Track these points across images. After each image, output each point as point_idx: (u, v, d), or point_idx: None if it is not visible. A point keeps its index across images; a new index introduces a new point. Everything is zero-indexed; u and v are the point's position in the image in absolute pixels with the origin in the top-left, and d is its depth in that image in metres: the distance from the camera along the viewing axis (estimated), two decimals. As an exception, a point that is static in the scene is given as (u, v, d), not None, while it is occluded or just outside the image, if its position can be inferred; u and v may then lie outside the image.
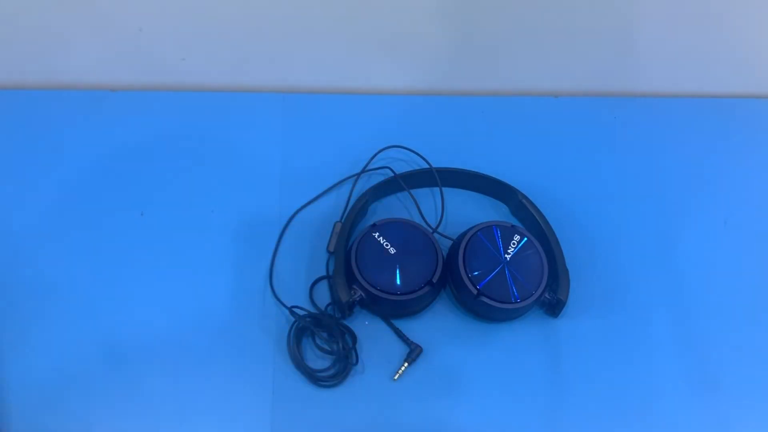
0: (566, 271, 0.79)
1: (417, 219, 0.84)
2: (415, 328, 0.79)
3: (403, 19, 0.90)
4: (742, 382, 0.78)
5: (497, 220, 0.81)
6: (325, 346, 0.76)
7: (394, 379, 0.76)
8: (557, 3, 0.88)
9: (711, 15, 0.91)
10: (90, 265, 0.81)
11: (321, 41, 0.92)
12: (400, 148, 0.89)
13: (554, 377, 0.78)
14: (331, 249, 0.81)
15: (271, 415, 0.73)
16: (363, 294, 0.76)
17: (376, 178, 0.88)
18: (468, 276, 0.76)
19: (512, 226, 0.80)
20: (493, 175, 0.87)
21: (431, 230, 0.82)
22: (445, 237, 0.83)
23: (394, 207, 0.88)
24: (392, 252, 0.77)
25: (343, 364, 0.75)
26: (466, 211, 0.88)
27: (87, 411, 0.73)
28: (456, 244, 0.80)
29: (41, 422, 0.72)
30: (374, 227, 0.79)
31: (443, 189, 0.87)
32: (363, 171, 0.89)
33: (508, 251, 0.78)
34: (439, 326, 0.79)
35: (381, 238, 0.78)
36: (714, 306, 0.83)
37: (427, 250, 0.78)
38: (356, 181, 0.88)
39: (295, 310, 0.77)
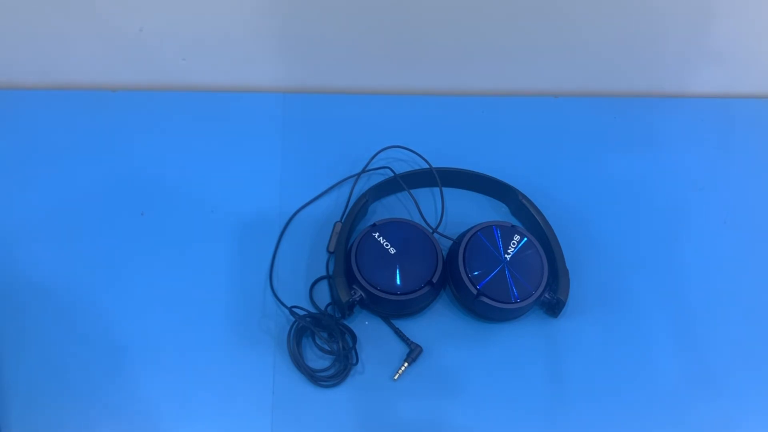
0: (566, 271, 0.79)
1: (417, 219, 0.84)
2: (415, 328, 0.79)
3: (404, 19, 0.90)
4: (742, 382, 0.78)
5: (497, 220, 0.81)
6: (325, 346, 0.76)
7: (394, 379, 0.76)
8: (557, 3, 0.88)
9: (711, 15, 0.91)
10: (90, 265, 0.81)
11: (321, 41, 0.92)
12: (400, 148, 0.89)
13: (554, 377, 0.78)
14: (331, 249, 0.81)
15: (271, 415, 0.73)
16: (363, 294, 0.76)
17: (376, 178, 0.88)
18: (468, 276, 0.77)
19: (512, 226, 0.80)
20: (493, 175, 0.87)
21: (431, 230, 0.82)
22: (445, 237, 0.83)
23: (394, 207, 0.88)
24: (392, 252, 0.77)
25: (343, 364, 0.75)
26: (466, 211, 0.88)
27: (87, 411, 0.73)
28: (456, 244, 0.80)
29: (41, 422, 0.72)
30: (374, 227, 0.79)
31: (443, 189, 0.87)
32: (363, 171, 0.89)
33: (508, 251, 0.78)
34: (439, 326, 0.80)
35: (381, 238, 0.78)
36: (714, 306, 0.83)
37: (427, 250, 0.78)
38: (356, 181, 0.88)
39: (295, 310, 0.77)
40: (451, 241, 0.82)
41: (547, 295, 0.78)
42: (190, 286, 0.80)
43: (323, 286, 0.81)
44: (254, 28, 0.90)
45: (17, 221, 0.83)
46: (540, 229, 0.82)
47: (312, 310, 0.79)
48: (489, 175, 0.87)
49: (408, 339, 0.78)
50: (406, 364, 0.76)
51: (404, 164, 0.90)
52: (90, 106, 0.92)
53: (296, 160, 0.90)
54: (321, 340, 0.76)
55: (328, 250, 0.81)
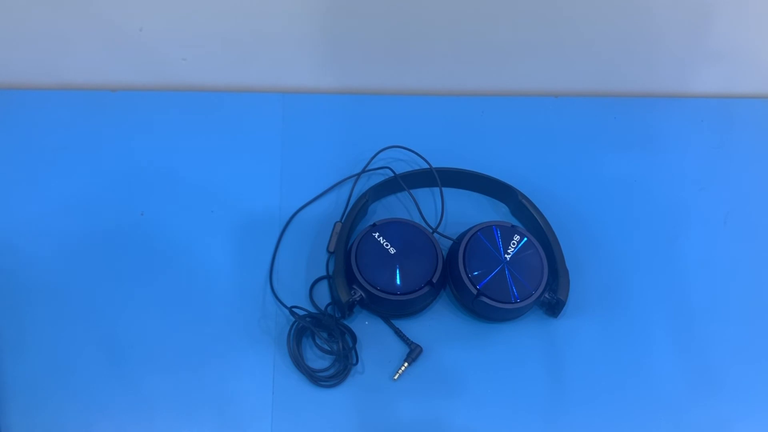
0: (566, 271, 0.79)
1: (417, 219, 0.84)
2: (415, 328, 0.79)
3: (404, 19, 0.90)
4: (741, 382, 0.79)
5: (497, 220, 0.81)
6: (325, 346, 0.76)
7: (394, 379, 0.76)
8: (557, 3, 0.88)
9: (711, 15, 0.91)
10: (90, 265, 0.80)
11: (321, 41, 0.92)
12: (400, 148, 0.89)
13: (554, 377, 0.78)
14: (331, 249, 0.81)
15: (271, 415, 0.73)
16: (363, 294, 0.76)
17: (376, 178, 0.88)
18: (468, 276, 0.77)
19: (512, 226, 0.80)
20: (493, 175, 0.87)
21: (431, 230, 0.82)
22: (445, 237, 0.83)
23: (394, 207, 0.88)
24: (392, 252, 0.77)
25: (343, 364, 0.75)
26: (466, 211, 0.88)
27: (86, 411, 0.73)
28: (456, 244, 0.80)
29: (41, 422, 0.72)
30: (374, 227, 0.79)
31: (443, 189, 0.87)
32: (363, 171, 0.89)
33: (508, 251, 0.78)
34: (439, 326, 0.80)
35: (381, 238, 0.78)
36: (713, 305, 0.83)
37: (427, 250, 0.78)
38: (356, 181, 0.88)
39: (295, 310, 0.77)
40: (451, 241, 0.82)
41: (547, 295, 0.78)
42: (189, 286, 0.80)
43: (323, 286, 0.81)
44: (254, 29, 0.90)
45: (17, 221, 0.83)
46: (540, 229, 0.82)
47: (312, 310, 0.79)
48: (489, 175, 0.87)
49: (408, 339, 0.78)
50: (406, 364, 0.76)
51: (404, 164, 0.90)
52: (90, 106, 0.92)
53: (296, 160, 0.90)
54: (321, 340, 0.76)
55: (328, 250, 0.81)
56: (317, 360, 0.76)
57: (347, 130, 0.93)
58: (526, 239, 0.79)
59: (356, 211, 0.82)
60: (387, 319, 0.79)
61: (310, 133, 0.93)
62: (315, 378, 0.75)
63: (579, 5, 0.89)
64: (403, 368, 0.76)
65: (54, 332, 0.76)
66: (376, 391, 0.75)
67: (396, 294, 0.76)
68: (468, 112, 0.97)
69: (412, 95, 0.99)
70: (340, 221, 0.83)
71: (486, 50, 0.95)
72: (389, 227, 0.79)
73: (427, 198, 0.88)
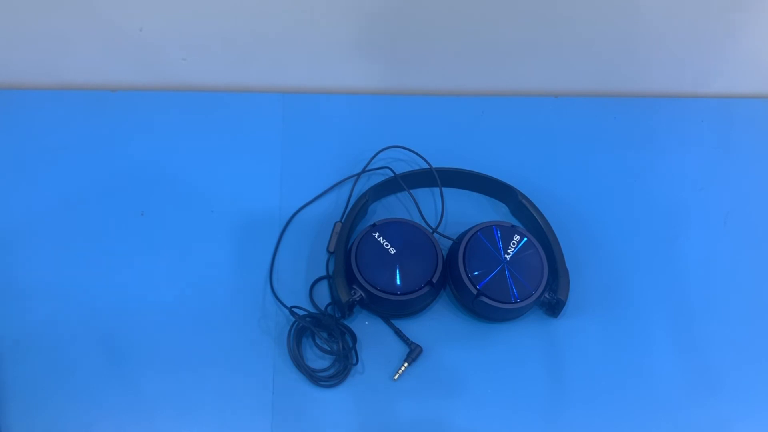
0: (566, 271, 0.79)
1: (417, 219, 0.84)
2: (415, 328, 0.79)
3: (404, 20, 0.90)
4: (741, 382, 0.79)
5: (497, 220, 0.81)
6: (325, 346, 0.76)
7: (394, 379, 0.76)
8: (557, 4, 0.88)
9: (711, 15, 0.91)
10: (90, 265, 0.80)
11: (321, 41, 0.92)
12: (400, 148, 0.90)
13: (554, 377, 0.78)
14: (331, 249, 0.81)
15: (271, 415, 0.73)
16: (363, 294, 0.76)
17: (376, 178, 0.88)
18: (468, 276, 0.77)
19: (512, 226, 0.80)
20: (493, 175, 0.87)
21: (431, 230, 0.82)
22: (445, 237, 0.83)
23: (394, 207, 0.88)
24: (392, 252, 0.77)
25: (343, 364, 0.75)
26: (466, 211, 0.88)
27: (86, 411, 0.73)
28: (456, 244, 0.80)
29: (41, 422, 0.72)
30: (374, 227, 0.79)
31: (443, 189, 0.87)
32: (363, 171, 0.89)
33: (508, 251, 0.78)
34: (439, 326, 0.80)
35: (381, 238, 0.78)
36: (713, 305, 0.83)
37: (427, 250, 0.78)
38: (356, 181, 0.88)
39: (295, 310, 0.77)
40: (451, 241, 0.82)
41: (547, 295, 0.78)
42: (189, 286, 0.80)
43: (323, 286, 0.81)
44: (254, 29, 0.90)
45: (17, 221, 0.83)
46: (540, 229, 0.82)
47: (312, 310, 0.79)
48: (489, 175, 0.87)
49: (408, 339, 0.78)
50: (406, 364, 0.76)
51: (404, 164, 0.90)
52: (90, 106, 0.92)
53: (296, 160, 0.90)
54: (321, 340, 0.76)
55: (328, 250, 0.81)
56: (317, 360, 0.76)
57: (347, 130, 0.93)
58: (526, 239, 0.79)
59: (356, 211, 0.82)
60: (387, 319, 0.79)
61: (310, 133, 0.93)
62: (315, 378, 0.75)
63: (579, 5, 0.89)
64: (403, 368, 0.76)
65: (54, 332, 0.76)
66: (376, 391, 0.75)
67: (396, 294, 0.76)
68: (468, 112, 0.97)
69: (412, 95, 0.99)
70: (340, 221, 0.83)
71: (486, 50, 0.95)
72: (389, 227, 0.79)
73: (427, 198, 0.89)
